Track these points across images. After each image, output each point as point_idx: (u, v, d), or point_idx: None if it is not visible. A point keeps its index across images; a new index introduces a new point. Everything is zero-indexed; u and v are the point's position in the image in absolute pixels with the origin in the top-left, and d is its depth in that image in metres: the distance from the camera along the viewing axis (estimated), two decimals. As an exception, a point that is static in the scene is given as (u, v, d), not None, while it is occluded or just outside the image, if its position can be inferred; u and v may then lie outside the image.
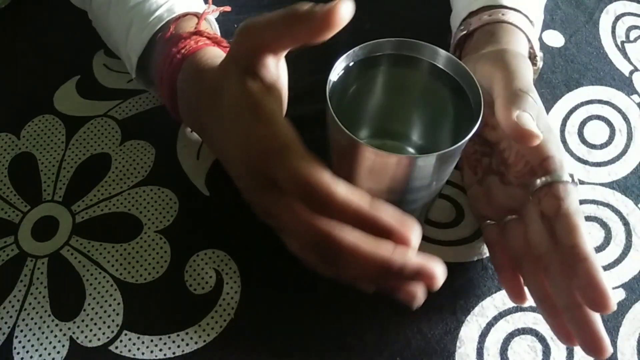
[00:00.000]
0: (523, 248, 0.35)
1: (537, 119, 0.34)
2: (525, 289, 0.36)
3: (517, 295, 0.36)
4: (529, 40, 0.41)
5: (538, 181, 0.34)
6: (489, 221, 0.39)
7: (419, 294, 0.31)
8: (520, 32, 0.40)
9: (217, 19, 0.44)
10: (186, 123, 0.41)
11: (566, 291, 0.32)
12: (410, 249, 0.29)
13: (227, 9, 0.44)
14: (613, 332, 0.38)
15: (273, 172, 0.30)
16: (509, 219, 0.37)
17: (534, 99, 0.34)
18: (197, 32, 0.39)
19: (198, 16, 0.41)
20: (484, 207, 0.39)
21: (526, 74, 0.36)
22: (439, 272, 0.29)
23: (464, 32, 0.42)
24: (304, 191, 0.29)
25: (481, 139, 0.39)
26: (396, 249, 0.28)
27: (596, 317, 0.31)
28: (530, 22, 0.42)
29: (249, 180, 0.33)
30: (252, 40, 0.31)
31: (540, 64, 0.43)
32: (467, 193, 0.41)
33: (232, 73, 0.32)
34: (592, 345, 0.31)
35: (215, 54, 0.38)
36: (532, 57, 0.42)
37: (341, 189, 0.29)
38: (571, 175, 0.34)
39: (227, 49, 0.39)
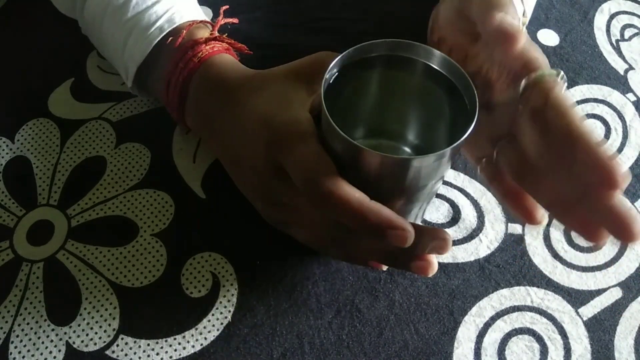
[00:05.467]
0: (520, 160, 0.33)
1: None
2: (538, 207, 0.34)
3: (529, 216, 0.34)
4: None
5: (524, 81, 0.32)
6: (484, 159, 0.37)
7: (432, 263, 0.34)
8: None
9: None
10: (192, 125, 0.41)
11: (574, 179, 0.30)
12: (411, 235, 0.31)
13: (235, 20, 0.45)
14: (610, 331, 0.38)
15: (284, 157, 0.33)
16: (500, 145, 0.35)
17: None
18: (215, 38, 0.41)
19: (205, 24, 0.42)
20: (476, 147, 0.38)
21: None
22: (448, 235, 0.33)
23: None
24: (307, 184, 0.31)
25: None
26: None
27: (617, 195, 0.28)
28: None
29: (263, 168, 0.35)
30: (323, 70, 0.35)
31: (525, 20, 0.42)
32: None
33: (286, 78, 0.37)
34: (622, 225, 0.28)
35: (232, 60, 0.41)
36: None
37: (343, 190, 0.30)
38: (557, 70, 0.32)
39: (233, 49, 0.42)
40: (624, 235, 0.28)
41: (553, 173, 0.31)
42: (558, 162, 0.31)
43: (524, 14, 0.42)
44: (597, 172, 0.28)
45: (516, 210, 0.35)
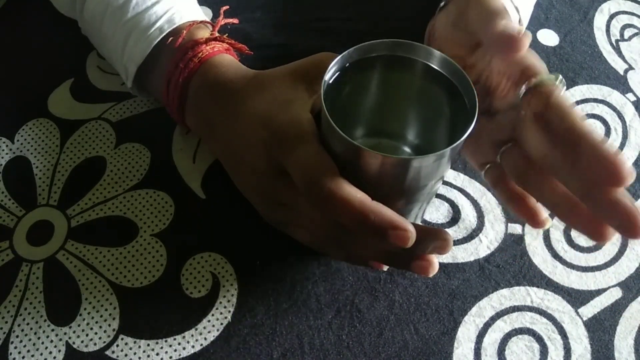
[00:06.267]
0: (524, 164, 0.34)
1: None
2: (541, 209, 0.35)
3: (534, 218, 0.35)
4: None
5: (524, 87, 0.33)
6: (488, 165, 0.38)
7: (433, 263, 0.34)
8: None
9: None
10: (192, 125, 0.41)
11: (578, 178, 0.30)
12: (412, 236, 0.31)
13: (235, 20, 0.46)
14: (610, 331, 0.38)
15: (284, 158, 0.33)
16: (503, 150, 0.36)
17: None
18: (215, 38, 0.41)
19: (206, 24, 0.42)
20: (479, 154, 0.38)
21: (497, 2, 0.36)
22: (449, 236, 0.33)
23: (442, 3, 0.42)
24: (308, 185, 0.31)
25: None
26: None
27: (621, 191, 0.28)
28: (515, 6, 0.42)
29: (263, 169, 0.35)
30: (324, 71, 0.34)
31: (520, 28, 0.43)
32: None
33: (286, 78, 0.36)
34: (627, 220, 0.28)
35: (232, 60, 0.41)
36: None
37: (344, 190, 0.30)
38: (556, 75, 0.33)
39: (233, 49, 0.43)
40: (629, 231, 0.28)
41: (557, 173, 0.32)
42: (562, 162, 0.31)
43: (519, 22, 0.43)
44: (602, 169, 0.28)
45: (520, 213, 0.36)
